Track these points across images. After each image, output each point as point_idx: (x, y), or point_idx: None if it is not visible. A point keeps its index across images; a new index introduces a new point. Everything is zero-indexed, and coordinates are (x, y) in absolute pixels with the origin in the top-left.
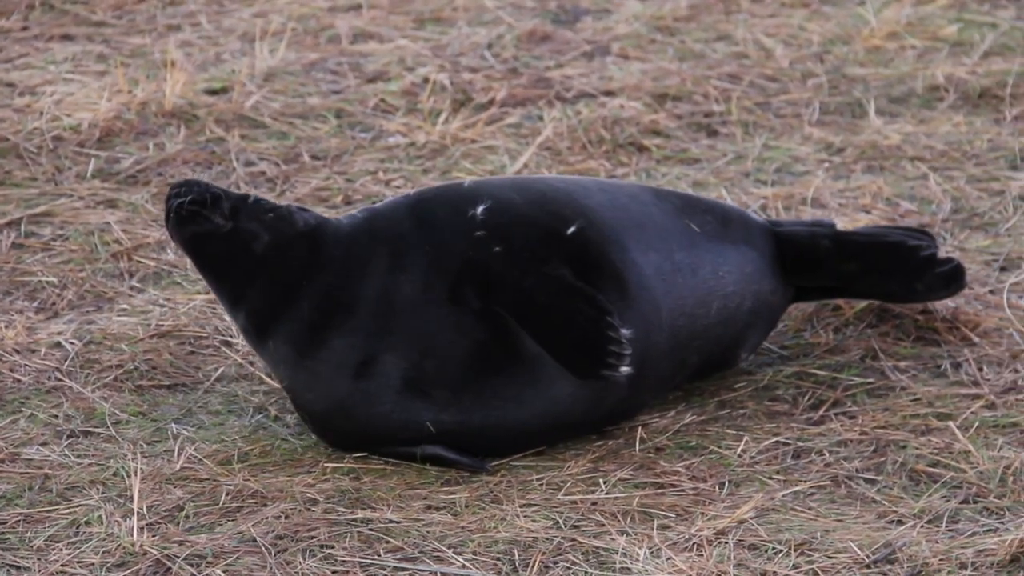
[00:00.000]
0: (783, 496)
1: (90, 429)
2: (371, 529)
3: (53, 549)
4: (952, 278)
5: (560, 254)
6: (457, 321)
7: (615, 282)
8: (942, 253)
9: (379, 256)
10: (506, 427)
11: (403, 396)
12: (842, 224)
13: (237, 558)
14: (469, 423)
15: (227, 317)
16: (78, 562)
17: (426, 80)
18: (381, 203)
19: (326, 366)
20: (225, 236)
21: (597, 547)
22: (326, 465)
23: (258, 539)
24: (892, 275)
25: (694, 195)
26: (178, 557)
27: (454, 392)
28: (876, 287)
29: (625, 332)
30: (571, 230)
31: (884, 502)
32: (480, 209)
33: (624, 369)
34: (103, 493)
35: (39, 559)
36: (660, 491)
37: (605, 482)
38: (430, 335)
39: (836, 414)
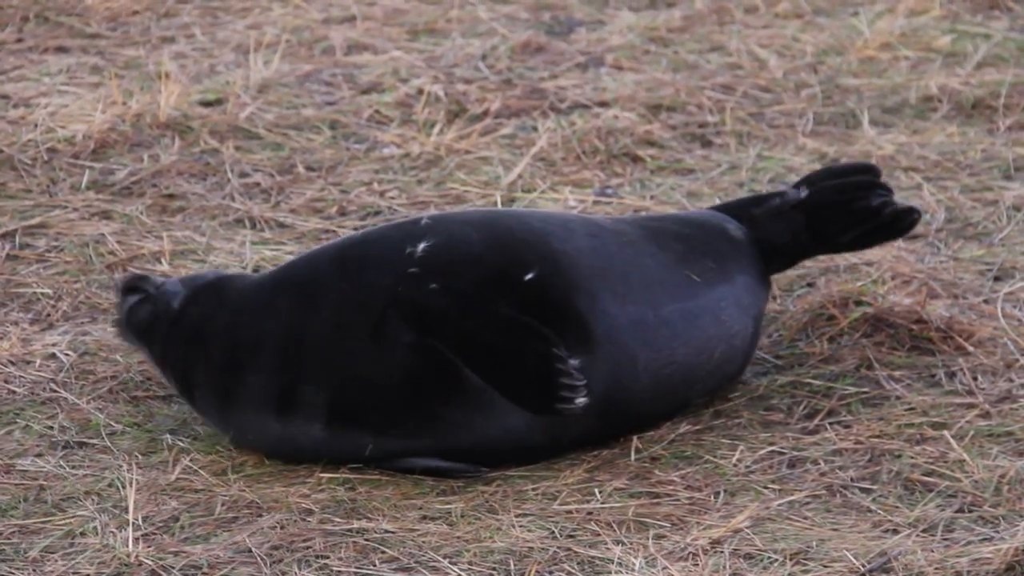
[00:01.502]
0: (778, 505)
1: (85, 440)
2: (367, 539)
3: (48, 560)
4: (905, 224)
5: (511, 298)
6: (380, 356)
7: (578, 330)
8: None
9: (283, 298)
10: (463, 449)
11: (334, 422)
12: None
13: (233, 568)
14: (416, 446)
15: None
16: (73, 573)
17: (420, 91)
18: (312, 249)
19: (249, 404)
20: (151, 298)
21: (593, 557)
22: (321, 475)
23: (254, 549)
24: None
25: (692, 227)
26: (173, 568)
27: (392, 416)
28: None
29: (574, 362)
30: (528, 276)
31: (879, 511)
32: (420, 247)
33: (580, 400)
34: (98, 504)
35: (34, 570)
36: (655, 501)
37: (600, 492)
38: (348, 367)
39: (831, 423)
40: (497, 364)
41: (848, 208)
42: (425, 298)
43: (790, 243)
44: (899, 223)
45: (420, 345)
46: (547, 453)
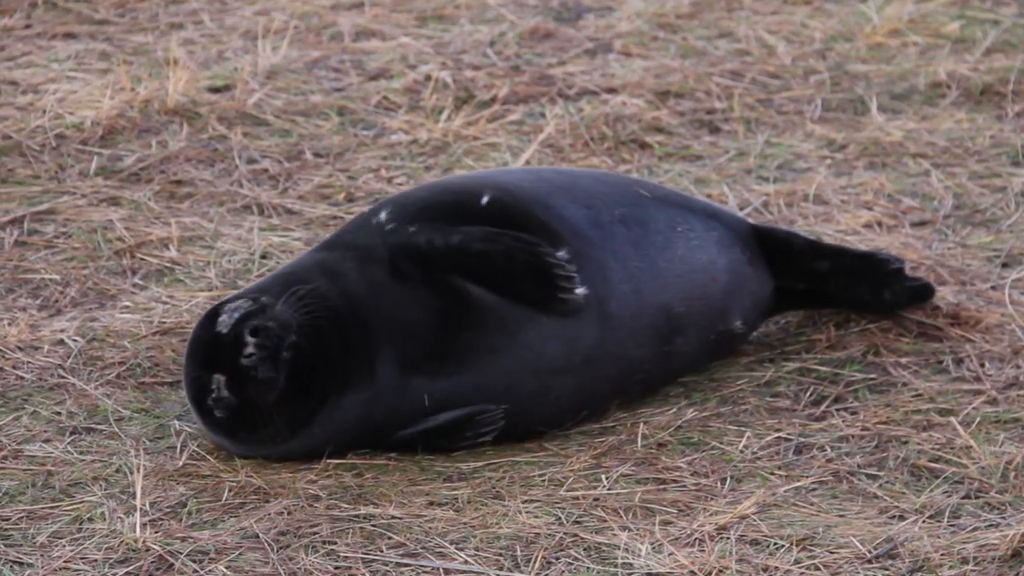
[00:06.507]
0: (785, 492)
1: (93, 426)
2: (373, 525)
3: (56, 545)
4: (920, 293)
5: (477, 220)
6: (411, 296)
7: (545, 233)
8: (930, 272)
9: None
10: (495, 380)
11: (402, 380)
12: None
13: (240, 554)
14: (461, 385)
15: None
16: (81, 558)
17: (428, 77)
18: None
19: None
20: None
21: (599, 543)
22: (328, 461)
23: (260, 535)
24: (862, 279)
25: (659, 188)
26: (181, 553)
27: (440, 360)
28: (846, 291)
29: (561, 254)
30: (485, 199)
31: (886, 497)
32: (383, 214)
33: (580, 290)
34: (106, 489)
35: (42, 555)
36: (662, 487)
37: (607, 478)
38: (398, 317)
39: (838, 410)
40: (493, 269)
41: (852, 248)
42: (410, 238)
43: (784, 238)
44: (904, 282)
45: (429, 281)
46: (574, 377)
